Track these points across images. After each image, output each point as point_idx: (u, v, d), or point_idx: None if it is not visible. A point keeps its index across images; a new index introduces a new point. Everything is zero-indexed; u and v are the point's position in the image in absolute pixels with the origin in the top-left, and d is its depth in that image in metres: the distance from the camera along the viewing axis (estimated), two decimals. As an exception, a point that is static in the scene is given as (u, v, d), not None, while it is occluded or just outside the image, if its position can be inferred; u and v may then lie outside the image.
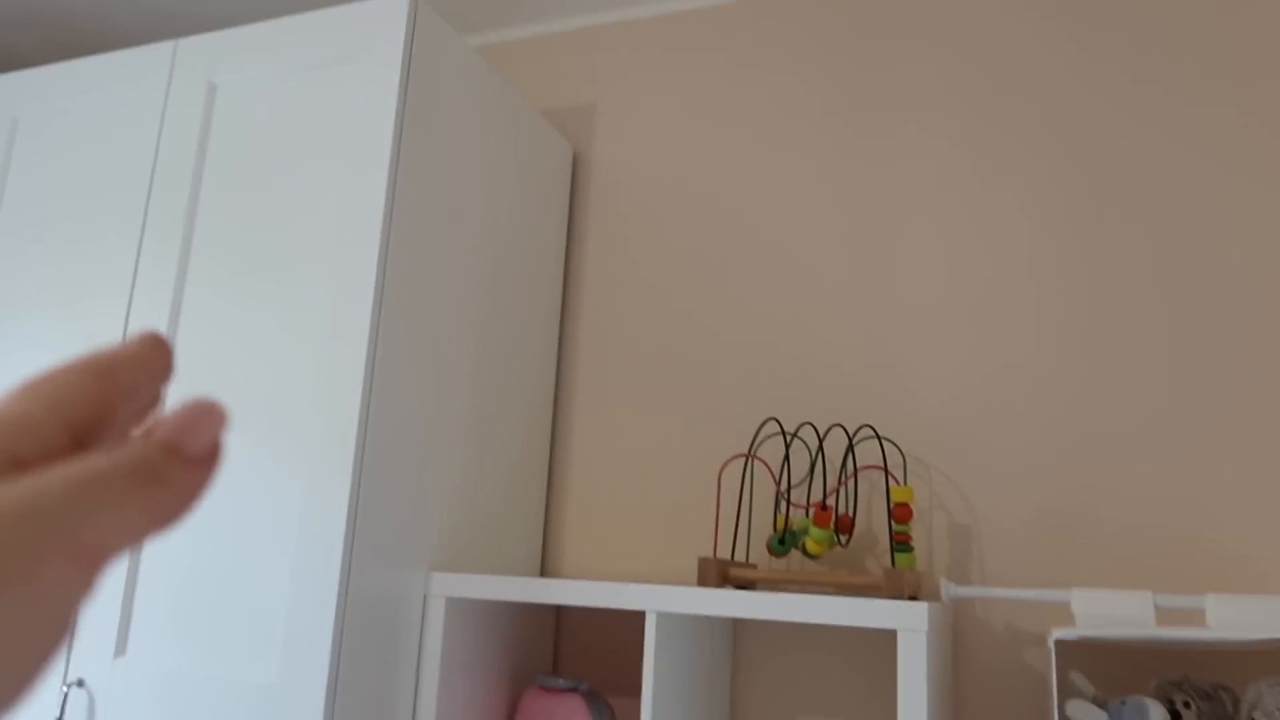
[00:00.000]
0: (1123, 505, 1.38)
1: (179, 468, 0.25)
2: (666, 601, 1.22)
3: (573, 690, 1.36)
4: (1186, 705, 1.12)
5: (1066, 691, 1.17)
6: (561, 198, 1.80)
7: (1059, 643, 1.12)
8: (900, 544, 1.33)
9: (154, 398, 0.30)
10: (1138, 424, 1.40)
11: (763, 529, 1.54)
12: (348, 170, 1.35)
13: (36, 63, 2.22)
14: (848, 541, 1.41)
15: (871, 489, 1.50)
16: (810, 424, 1.48)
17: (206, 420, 0.27)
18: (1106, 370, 1.43)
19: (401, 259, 1.35)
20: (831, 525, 1.37)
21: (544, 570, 1.69)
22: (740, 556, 1.52)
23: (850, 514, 1.41)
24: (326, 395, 1.28)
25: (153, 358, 0.28)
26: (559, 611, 1.64)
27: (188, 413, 0.26)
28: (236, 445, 1.32)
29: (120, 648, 1.31)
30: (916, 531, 1.47)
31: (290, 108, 1.42)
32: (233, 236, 1.41)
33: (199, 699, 1.24)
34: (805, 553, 1.36)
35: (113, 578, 1.33)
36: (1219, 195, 1.43)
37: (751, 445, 1.43)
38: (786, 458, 1.41)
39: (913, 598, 1.24)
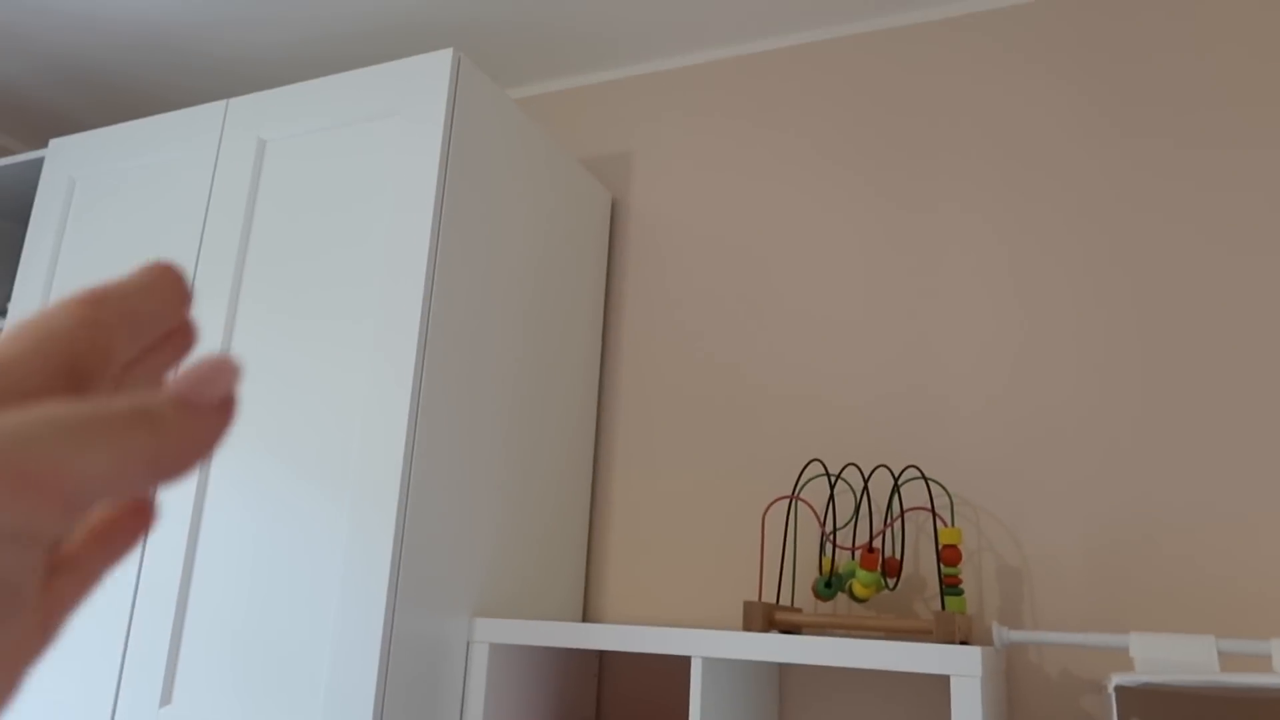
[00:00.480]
0: (1179, 547, 1.34)
1: (185, 417, 0.23)
2: (712, 647, 1.20)
3: (618, 738, 1.34)
4: (1255, 754, 1.08)
5: (1127, 739, 1.12)
6: (600, 244, 1.82)
7: (1119, 689, 1.09)
8: (950, 587, 1.30)
9: (172, 334, 0.28)
10: (1187, 463, 1.37)
11: (807, 572, 1.52)
12: (393, 218, 1.38)
13: (91, 125, 2.29)
14: (895, 585, 1.39)
15: (918, 531, 1.48)
16: (855, 464, 1.46)
17: (219, 372, 0.24)
18: (1153, 410, 1.40)
19: (445, 303, 1.36)
20: (879, 568, 1.34)
21: (586, 615, 1.68)
22: (785, 600, 1.50)
23: (897, 557, 1.39)
24: (371, 439, 1.29)
25: (158, 284, 0.26)
26: (601, 657, 1.63)
27: (200, 365, 0.24)
28: (285, 486, 1.33)
29: (166, 696, 1.32)
30: (965, 574, 1.44)
31: (337, 160, 1.46)
32: (281, 283, 1.44)
33: (245, 746, 1.24)
34: (852, 596, 1.34)
35: (159, 624, 1.35)
36: (1257, 242, 1.41)
37: (795, 487, 1.42)
38: (831, 499, 1.39)
39: (964, 642, 1.22)
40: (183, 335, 0.28)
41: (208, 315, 1.48)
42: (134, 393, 0.24)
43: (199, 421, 0.24)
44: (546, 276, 1.62)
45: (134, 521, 0.27)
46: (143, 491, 0.25)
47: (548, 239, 1.63)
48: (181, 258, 1.54)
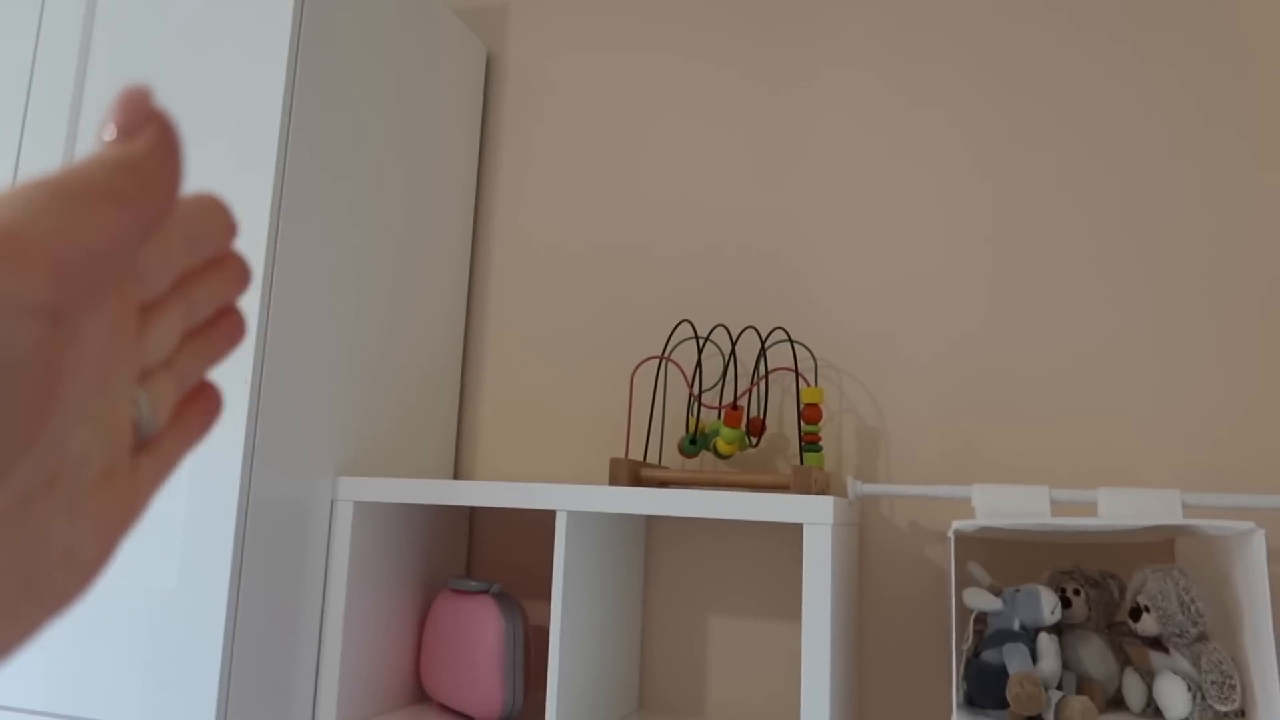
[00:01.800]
0: (1021, 407, 1.41)
1: (136, 165, 0.24)
2: (577, 501, 1.22)
3: (484, 592, 1.36)
4: (1076, 592, 1.17)
5: (964, 582, 1.20)
6: (474, 100, 1.74)
7: (958, 534, 1.15)
8: (809, 444, 1.35)
9: (222, 262, 0.31)
10: (1038, 330, 1.43)
11: (676, 432, 1.54)
12: (243, 69, 1.28)
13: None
14: (758, 443, 1.43)
15: (784, 393, 1.51)
16: (724, 326, 1.47)
17: (129, 100, 0.25)
18: (1011, 278, 1.45)
19: (302, 152, 1.29)
20: (743, 426, 1.38)
21: (457, 474, 1.67)
22: (653, 459, 1.52)
23: (762, 416, 1.42)
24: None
25: (209, 206, 0.29)
26: (472, 515, 1.64)
27: (114, 102, 0.25)
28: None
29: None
30: (826, 434, 1.49)
31: (180, 4, 1.33)
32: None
33: (95, 605, 1.20)
34: (716, 453, 1.37)
35: None
36: (1125, 108, 1.45)
37: (665, 348, 1.42)
38: (699, 360, 1.41)
39: (821, 495, 1.26)
40: (235, 266, 0.31)
41: (40, 166, 1.36)
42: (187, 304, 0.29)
43: (149, 168, 0.24)
44: (416, 128, 1.54)
45: (204, 407, 0.31)
46: (190, 367, 0.30)
47: (416, 91, 1.55)
48: (5, 110, 1.40)
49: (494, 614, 1.32)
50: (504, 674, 1.29)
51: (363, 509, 1.35)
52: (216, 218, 0.29)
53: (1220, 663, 1.04)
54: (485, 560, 1.61)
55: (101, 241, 0.22)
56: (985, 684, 1.10)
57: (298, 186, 1.28)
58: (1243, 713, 1.06)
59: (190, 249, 0.28)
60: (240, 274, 0.31)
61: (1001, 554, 1.37)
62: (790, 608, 1.46)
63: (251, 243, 1.23)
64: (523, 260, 1.70)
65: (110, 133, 0.25)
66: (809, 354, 1.50)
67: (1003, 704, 1.08)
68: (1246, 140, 1.39)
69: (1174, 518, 1.10)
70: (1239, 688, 1.03)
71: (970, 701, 1.11)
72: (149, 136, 0.25)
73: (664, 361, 1.50)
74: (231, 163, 1.26)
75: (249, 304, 1.22)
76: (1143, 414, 1.37)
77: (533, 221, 1.71)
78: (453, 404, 1.66)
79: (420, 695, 1.46)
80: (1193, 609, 1.06)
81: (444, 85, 1.63)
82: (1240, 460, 1.32)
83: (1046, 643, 1.11)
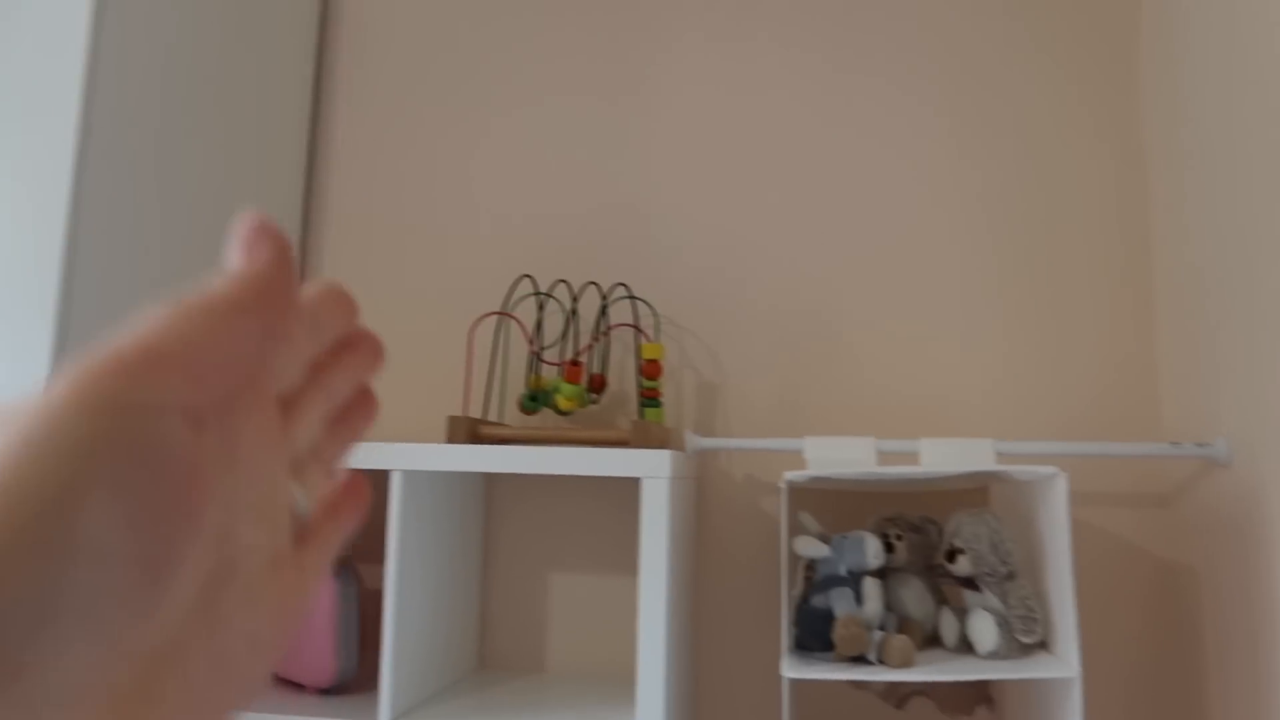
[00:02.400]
0: (851, 363, 1.46)
1: (251, 285, 0.27)
2: (413, 460, 1.18)
3: (316, 556, 1.30)
4: (899, 538, 1.22)
5: (795, 530, 1.24)
6: (307, 47, 1.64)
7: (790, 485, 1.18)
8: (649, 399, 1.35)
9: (352, 343, 0.33)
10: (865, 287, 1.48)
11: (516, 390, 1.52)
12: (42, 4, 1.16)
13: None
14: (599, 399, 1.42)
15: (625, 350, 1.51)
16: (565, 282, 1.46)
17: (254, 232, 0.28)
18: (840, 238, 1.50)
19: (110, 100, 1.18)
20: (583, 382, 1.37)
21: (287, 438, 1.60)
22: (494, 417, 1.50)
23: (602, 373, 1.42)
24: (20, 254, 1.12)
25: (328, 295, 0.31)
26: (304, 480, 1.57)
27: (239, 230, 0.28)
28: (-98, 299, 1.14)
29: None
30: (667, 390, 1.50)
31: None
32: (-117, 52, 1.19)
33: None
34: (557, 410, 1.36)
35: None
36: (943, 75, 1.50)
37: (505, 303, 1.40)
38: (540, 317, 1.39)
39: (660, 449, 1.27)
40: (365, 346, 0.33)
41: None
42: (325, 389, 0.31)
43: (268, 280, 0.27)
44: (241, 74, 1.44)
45: (352, 491, 0.34)
46: (334, 452, 0.33)
47: (244, 35, 1.45)
48: None
49: (327, 580, 1.27)
50: (336, 639, 1.25)
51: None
52: (337, 305, 0.31)
53: (1025, 599, 1.11)
54: (318, 524, 1.55)
55: (231, 347, 0.25)
56: (814, 627, 1.14)
57: (104, 138, 1.18)
58: (1044, 644, 1.14)
59: (317, 339, 0.31)
60: (372, 353, 0.33)
61: (831, 503, 1.42)
62: (630, 562, 1.47)
63: (51, 202, 1.13)
64: (358, 213, 1.63)
65: (234, 252, 0.28)
66: (650, 310, 1.51)
67: (830, 646, 1.12)
68: (1056, 105, 1.47)
69: (987, 465, 1.16)
70: (1041, 621, 1.11)
71: (800, 645, 1.15)
72: (266, 252, 0.28)
73: (504, 318, 1.47)
74: (32, 108, 1.15)
75: (46, 266, 1.12)
76: (960, 367, 1.44)
77: (372, 171, 1.64)
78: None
79: (248, 665, 1.40)
80: (1002, 549, 1.13)
81: (275, 30, 1.53)
82: (1046, 409, 1.41)
83: (871, 586, 1.16)
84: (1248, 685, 1.12)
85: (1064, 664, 1.06)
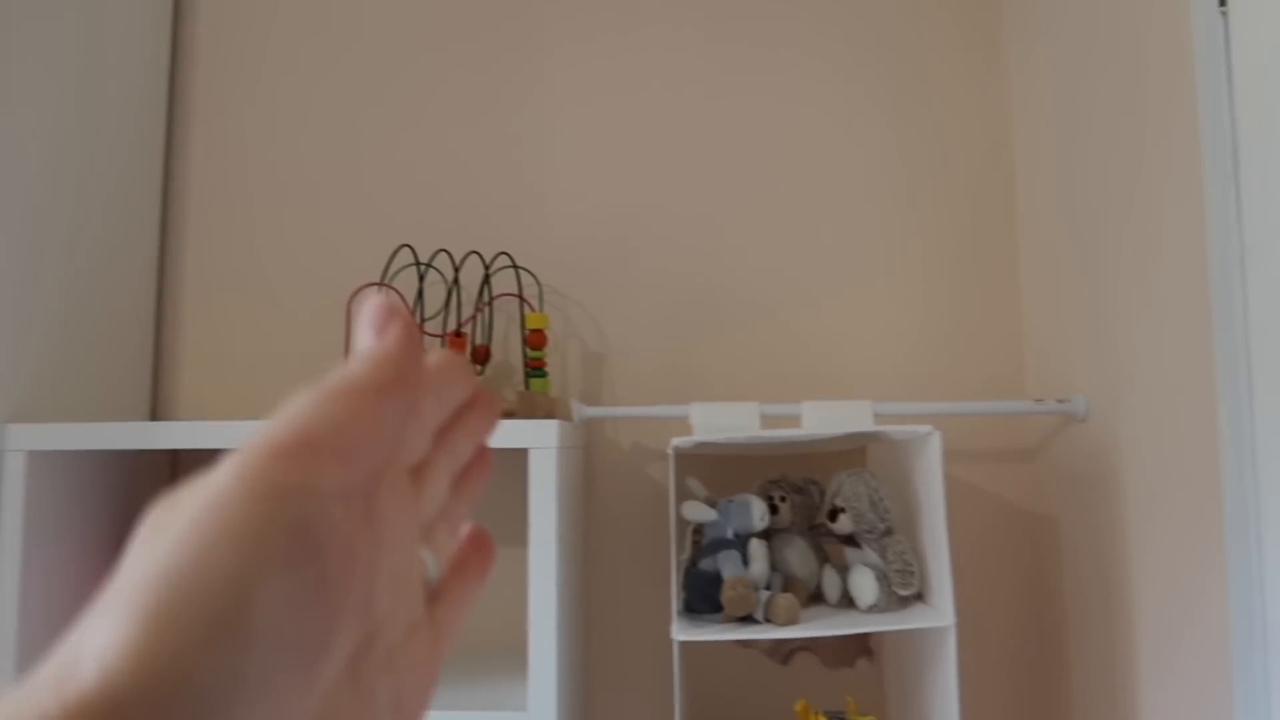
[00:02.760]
0: (734, 332, 1.49)
1: (380, 367, 0.28)
2: (290, 437, 1.14)
3: (189, 540, 1.25)
4: (783, 499, 1.25)
5: (683, 496, 1.26)
6: (163, 21, 1.54)
7: (677, 451, 1.20)
8: (534, 370, 1.34)
9: (471, 406, 0.34)
10: (748, 255, 1.50)
11: (398, 363, 1.48)
12: None
13: None
14: (483, 371, 1.41)
15: (509, 321, 1.50)
16: (446, 251, 1.43)
17: (380, 313, 0.29)
18: (722, 207, 1.51)
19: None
20: (467, 354, 1.35)
21: (156, 416, 1.53)
22: (375, 392, 1.46)
23: (487, 344, 1.40)
24: None
25: (446, 363, 0.33)
26: (175, 461, 1.50)
27: (365, 312, 0.30)
28: None
29: None
30: (553, 361, 1.49)
31: None
32: None
33: None
34: (440, 383, 1.33)
35: None
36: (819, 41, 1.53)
37: (384, 274, 1.36)
38: (421, 288, 1.36)
39: (546, 419, 1.27)
40: (482, 407, 0.34)
41: None
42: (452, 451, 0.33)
43: (400, 360, 0.28)
44: (92, 59, 1.35)
45: (479, 549, 0.35)
46: (459, 511, 0.34)
47: (93, 11, 1.35)
48: None
49: (201, 563, 1.22)
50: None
51: (40, 459, 1.19)
52: (456, 373, 0.32)
53: (903, 553, 1.15)
54: (190, 507, 1.49)
55: (376, 429, 0.26)
56: (703, 590, 1.16)
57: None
58: (921, 596, 1.19)
59: (441, 408, 0.32)
60: (489, 412, 0.34)
61: (717, 468, 1.45)
62: (519, 533, 1.46)
63: None
64: (227, 182, 1.56)
65: (365, 334, 0.29)
66: (534, 280, 1.49)
67: (718, 607, 1.14)
68: (928, 84, 1.51)
69: (866, 426, 1.20)
70: (918, 574, 1.16)
71: (689, 608, 1.17)
72: (395, 334, 0.29)
73: (383, 288, 1.43)
74: None
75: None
76: (840, 333, 1.48)
77: (241, 141, 1.56)
78: (146, 339, 1.50)
79: (119, 657, 1.34)
80: (881, 507, 1.17)
81: (129, 7, 1.44)
82: (922, 372, 1.46)
83: (757, 548, 1.18)
84: (1100, 625, 1.20)
85: (940, 614, 1.10)
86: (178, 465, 1.50)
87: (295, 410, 0.26)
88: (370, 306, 0.30)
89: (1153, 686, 1.07)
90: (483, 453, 0.35)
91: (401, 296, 1.37)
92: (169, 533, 0.23)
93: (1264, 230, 0.84)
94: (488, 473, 0.36)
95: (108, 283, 1.41)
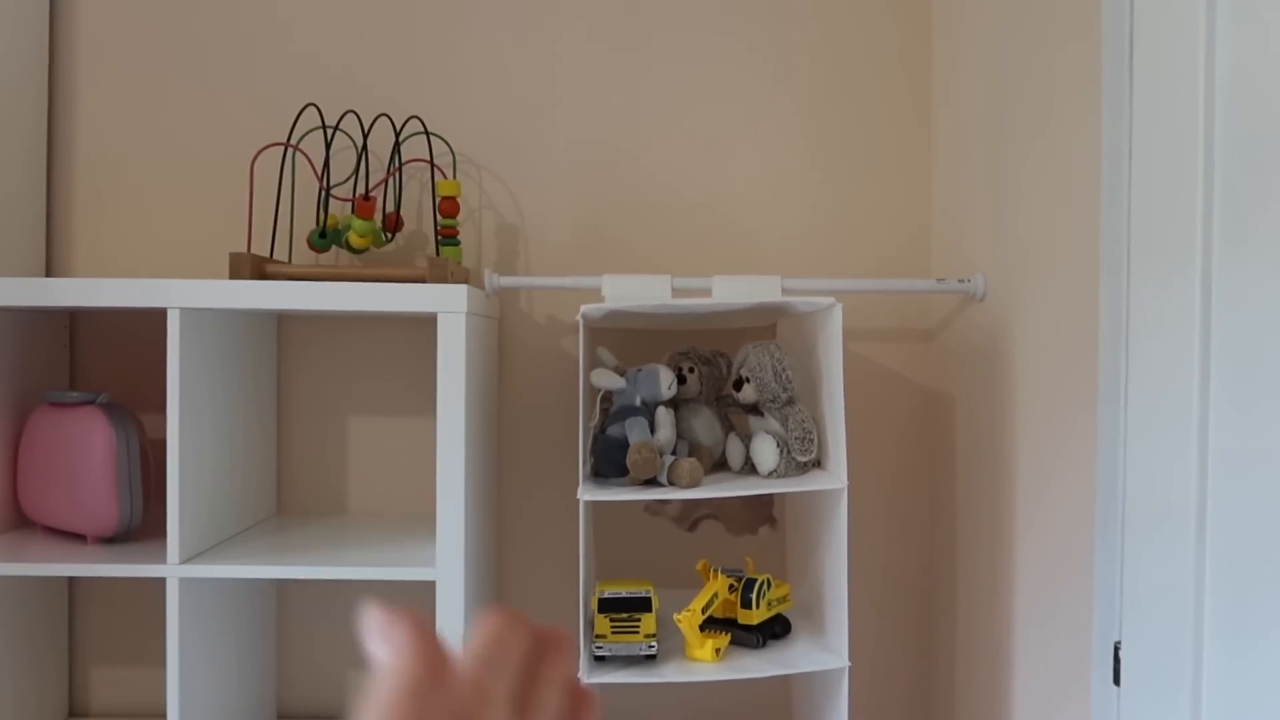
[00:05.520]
0: (648, 208, 1.48)
1: (402, 682, 0.29)
2: (192, 296, 1.12)
3: (89, 403, 1.23)
4: (691, 370, 1.28)
5: (594, 364, 1.27)
6: None
7: (586, 320, 1.21)
8: (446, 238, 1.33)
9: (546, 652, 0.33)
10: (663, 129, 1.49)
11: (305, 228, 1.45)
12: None
13: None
14: (392, 238, 1.39)
15: (421, 190, 1.47)
16: (354, 113, 1.38)
17: (382, 626, 0.30)
18: (639, 78, 1.49)
19: None
20: (376, 219, 1.32)
21: (50, 274, 1.47)
22: (281, 256, 1.43)
23: (397, 212, 1.38)
24: None
25: (498, 627, 0.33)
26: (72, 320, 1.46)
27: (371, 635, 0.30)
28: None
29: None
30: (467, 232, 1.48)
31: None
32: None
33: None
34: (350, 248, 1.31)
35: None
36: (753, -95, 1.49)
37: (290, 134, 1.31)
38: (328, 148, 1.32)
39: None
40: (554, 648, 0.34)
41: None
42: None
43: (422, 667, 0.29)
44: None
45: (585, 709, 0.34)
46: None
47: None
48: None
49: (102, 424, 1.20)
50: (117, 486, 1.20)
51: (-78, 315, 1.15)
52: (509, 637, 0.32)
53: (803, 421, 1.19)
54: (92, 371, 1.46)
55: None
56: (610, 455, 1.19)
57: None
58: (819, 463, 1.24)
59: (505, 672, 0.31)
60: (563, 652, 0.34)
61: (629, 342, 1.46)
62: (430, 403, 1.47)
63: None
64: (122, 26, 1.47)
65: (377, 648, 0.30)
66: (447, 148, 1.46)
67: (624, 471, 1.17)
68: (852, -46, 1.49)
69: (772, 296, 1.22)
70: (817, 441, 1.20)
71: (598, 473, 1.20)
72: (405, 634, 0.30)
73: (290, 150, 1.39)
74: None
75: None
76: (753, 212, 1.49)
77: (125, -15, 1.47)
78: (38, 196, 1.43)
79: (21, 519, 1.33)
80: (784, 376, 1.20)
81: None
82: (833, 252, 1.49)
83: (664, 415, 1.21)
84: (986, 487, 1.27)
85: (834, 477, 1.15)
86: (76, 326, 1.46)
87: None
88: (370, 625, 0.30)
89: (1027, 540, 1.14)
90: (579, 692, 0.34)
91: (307, 155, 1.33)
92: None
93: (1151, 120, 0.87)
94: (594, 708, 0.35)
95: (-7, 135, 1.33)
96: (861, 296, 1.49)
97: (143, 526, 1.27)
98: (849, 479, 1.24)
